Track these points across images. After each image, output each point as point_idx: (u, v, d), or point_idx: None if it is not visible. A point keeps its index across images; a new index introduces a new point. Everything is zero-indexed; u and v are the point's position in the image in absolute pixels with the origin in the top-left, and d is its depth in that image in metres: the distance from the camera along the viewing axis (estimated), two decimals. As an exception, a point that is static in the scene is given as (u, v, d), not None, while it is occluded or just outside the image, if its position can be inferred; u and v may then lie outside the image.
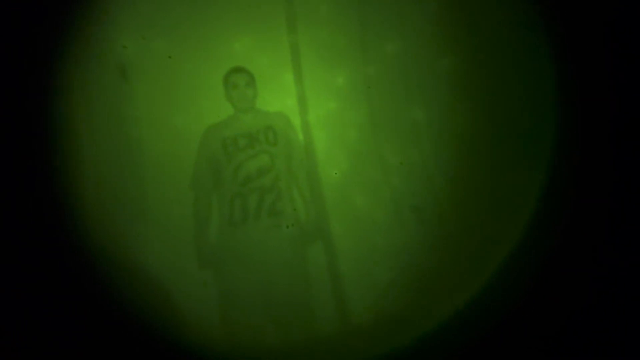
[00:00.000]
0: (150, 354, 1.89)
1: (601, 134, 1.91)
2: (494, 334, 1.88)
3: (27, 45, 1.84)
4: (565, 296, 1.85)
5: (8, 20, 1.80)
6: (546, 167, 2.05)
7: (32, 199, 1.77)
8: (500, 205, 2.19)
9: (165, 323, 2.08)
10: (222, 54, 2.45)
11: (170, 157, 2.40)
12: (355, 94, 2.50)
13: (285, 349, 2.23)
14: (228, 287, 2.25)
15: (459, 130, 2.32)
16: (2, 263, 1.68)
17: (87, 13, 2.24)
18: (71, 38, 2.09)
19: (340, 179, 2.49)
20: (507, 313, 1.91)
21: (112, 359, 1.78)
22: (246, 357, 2.21)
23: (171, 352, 2.00)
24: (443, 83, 2.35)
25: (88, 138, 2.25)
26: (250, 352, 2.22)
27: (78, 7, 2.12)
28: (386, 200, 2.45)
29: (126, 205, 2.36)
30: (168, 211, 2.40)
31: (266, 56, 2.47)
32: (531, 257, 1.98)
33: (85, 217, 2.03)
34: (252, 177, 2.25)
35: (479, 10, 2.24)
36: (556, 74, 2.03)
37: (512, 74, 2.21)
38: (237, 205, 2.24)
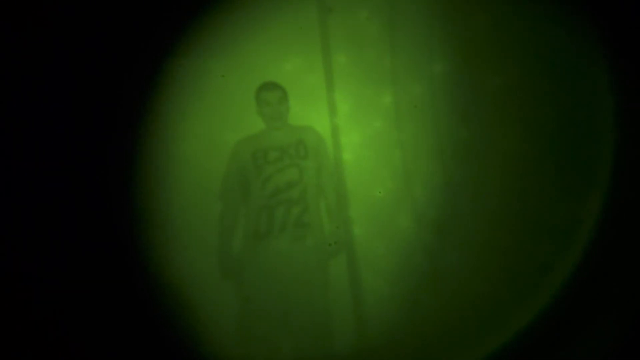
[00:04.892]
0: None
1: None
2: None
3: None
4: (628, 334, 1.77)
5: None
6: (604, 190, 1.98)
7: (83, 207, 1.87)
8: (553, 230, 2.13)
9: (181, 331, 2.12)
10: (273, 74, 2.50)
11: (219, 171, 2.46)
12: (402, 113, 2.51)
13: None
14: (249, 298, 2.28)
15: (508, 150, 2.28)
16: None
17: (150, 31, 2.34)
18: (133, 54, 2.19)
19: (385, 198, 2.49)
20: (560, 349, 1.84)
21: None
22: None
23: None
24: (491, 102, 2.32)
25: (143, 152, 2.34)
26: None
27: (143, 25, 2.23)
28: (431, 221, 2.42)
29: (171, 215, 2.44)
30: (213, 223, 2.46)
31: (315, 76, 2.50)
32: (587, 287, 1.90)
33: (131, 226, 2.11)
34: (280, 190, 2.27)
35: (529, 28, 2.20)
36: (615, 92, 1.96)
37: (565, 92, 2.15)
38: (264, 217, 2.26)
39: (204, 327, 2.18)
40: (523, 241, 2.21)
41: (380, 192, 2.49)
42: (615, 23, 1.91)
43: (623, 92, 1.95)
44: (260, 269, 2.27)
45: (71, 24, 1.87)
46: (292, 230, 2.25)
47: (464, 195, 2.38)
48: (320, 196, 2.35)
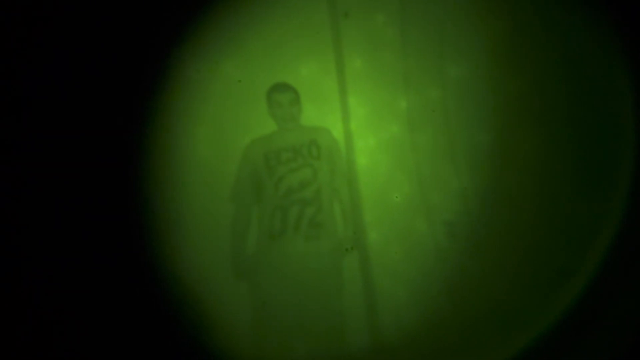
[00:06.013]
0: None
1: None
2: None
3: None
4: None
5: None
6: (623, 194, 1.97)
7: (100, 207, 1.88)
8: (572, 234, 2.11)
9: (195, 333, 2.12)
10: (289, 78, 2.50)
11: (233, 174, 2.46)
12: (419, 118, 2.50)
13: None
14: (263, 298, 2.28)
15: (524, 154, 2.27)
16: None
17: (161, 35, 2.35)
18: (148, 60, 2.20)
19: (402, 202, 2.49)
20: (579, 354, 1.83)
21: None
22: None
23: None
24: (507, 106, 2.31)
25: (158, 156, 2.35)
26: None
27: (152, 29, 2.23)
28: (447, 225, 2.41)
29: (185, 218, 2.44)
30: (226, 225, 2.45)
31: (331, 80, 2.50)
32: (608, 291, 1.89)
33: (145, 228, 2.12)
34: (293, 190, 2.27)
35: (545, 31, 2.19)
36: (635, 95, 1.95)
37: (586, 96, 2.14)
38: (278, 217, 2.26)
39: (217, 328, 2.18)
40: (541, 245, 2.19)
41: (397, 197, 2.48)
42: (635, 26, 1.90)
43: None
44: (274, 269, 2.27)
45: (85, 27, 1.87)
46: (306, 230, 2.25)
47: (480, 200, 2.37)
48: (334, 197, 2.35)
